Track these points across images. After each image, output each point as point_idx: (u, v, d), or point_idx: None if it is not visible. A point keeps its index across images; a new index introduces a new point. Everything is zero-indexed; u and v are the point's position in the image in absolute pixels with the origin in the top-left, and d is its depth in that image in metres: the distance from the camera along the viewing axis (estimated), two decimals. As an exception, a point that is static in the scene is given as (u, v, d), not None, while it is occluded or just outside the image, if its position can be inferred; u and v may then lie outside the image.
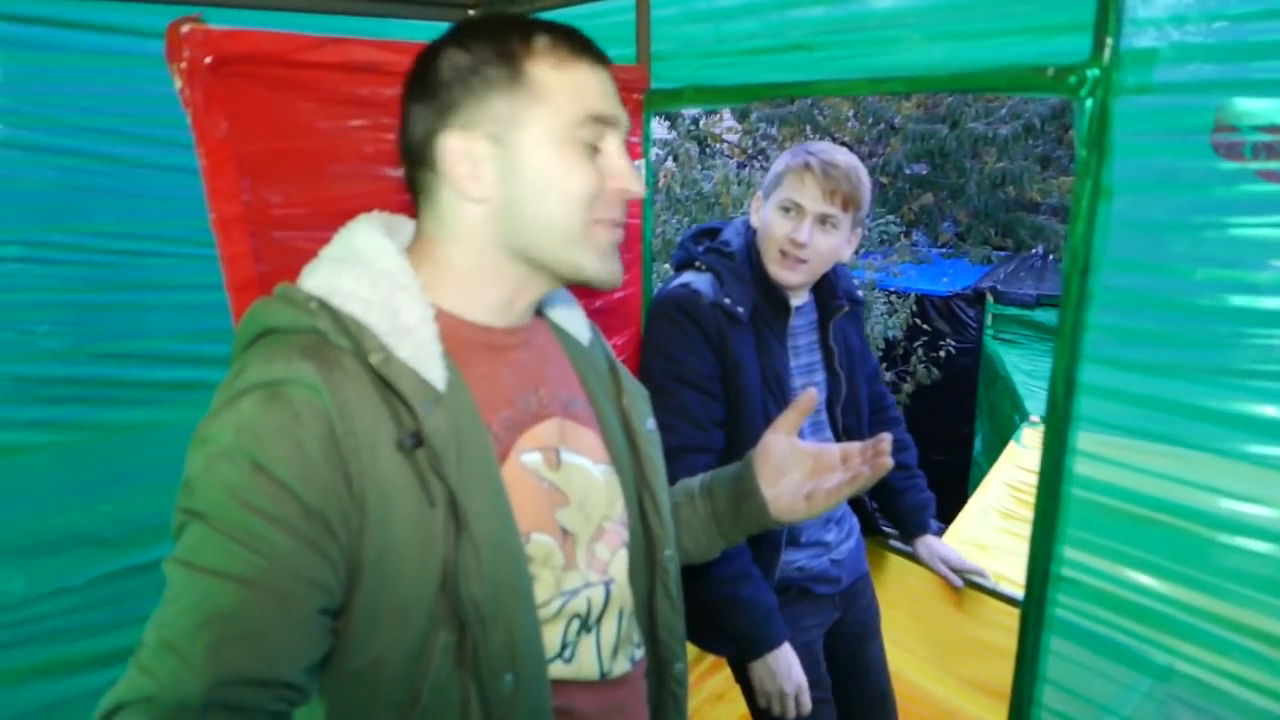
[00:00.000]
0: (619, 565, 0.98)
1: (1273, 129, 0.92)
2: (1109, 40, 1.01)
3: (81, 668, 1.75)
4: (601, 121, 0.88)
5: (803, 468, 1.10)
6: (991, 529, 3.22)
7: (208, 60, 1.02)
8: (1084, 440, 1.14)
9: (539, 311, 1.04)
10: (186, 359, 1.82)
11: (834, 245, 1.68)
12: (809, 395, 1.11)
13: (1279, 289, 0.98)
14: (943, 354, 5.92)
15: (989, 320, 5.85)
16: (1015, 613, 1.87)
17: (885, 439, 1.06)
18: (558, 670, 0.89)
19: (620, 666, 0.97)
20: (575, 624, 0.91)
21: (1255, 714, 1.07)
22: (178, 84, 1.02)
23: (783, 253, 1.65)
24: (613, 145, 0.90)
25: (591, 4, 1.66)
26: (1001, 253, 6.96)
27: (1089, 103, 1.03)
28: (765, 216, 1.70)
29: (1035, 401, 4.84)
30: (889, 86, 1.24)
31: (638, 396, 1.08)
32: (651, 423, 1.07)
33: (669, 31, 1.58)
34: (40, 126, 1.58)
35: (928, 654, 2.03)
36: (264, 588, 0.72)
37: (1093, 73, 1.03)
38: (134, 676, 0.70)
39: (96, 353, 1.73)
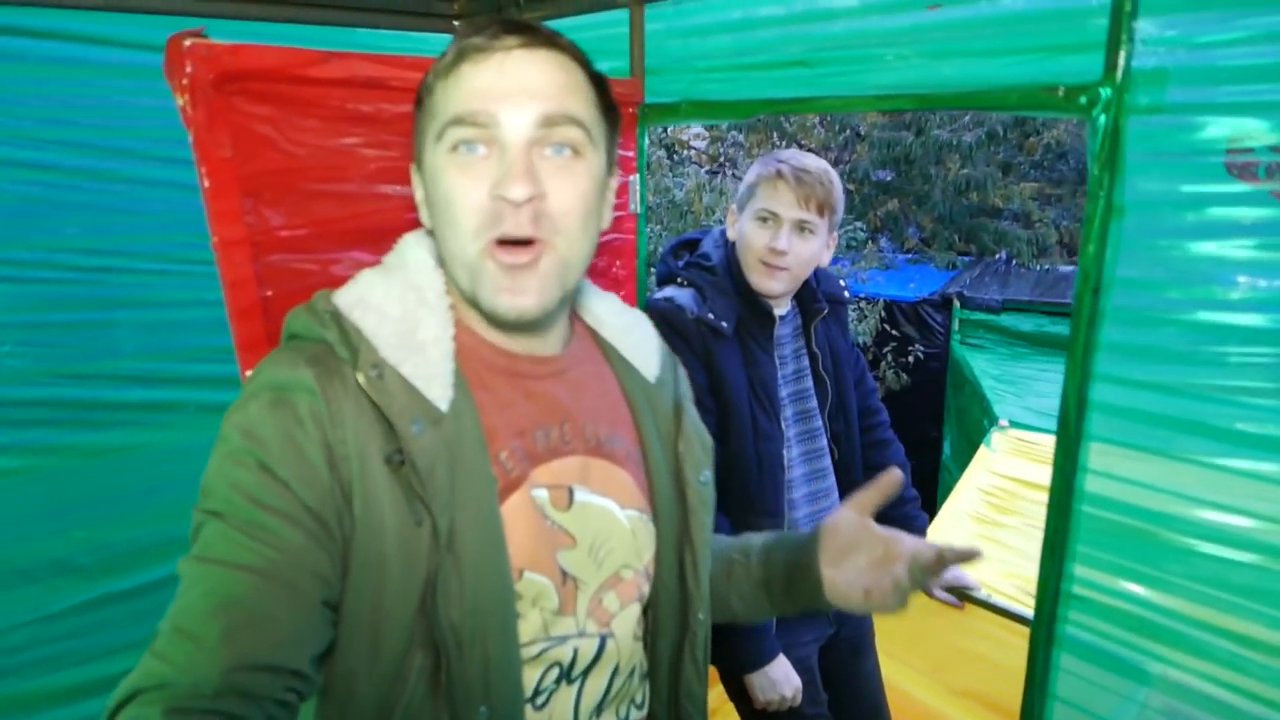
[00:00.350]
0: (625, 621, 0.93)
1: (1286, 151, 0.94)
2: (1121, 60, 1.02)
3: (61, 700, 1.69)
4: (464, 122, 0.78)
5: (872, 553, 1.00)
6: (966, 534, 3.26)
7: (212, 77, 0.99)
8: (1095, 458, 1.15)
9: (600, 339, 1.02)
10: (156, 379, 1.77)
11: (813, 251, 1.68)
12: (896, 477, 1.03)
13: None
14: (911, 359, 5.99)
15: (956, 325, 5.92)
16: (1006, 623, 1.90)
17: (974, 554, 0.99)
18: (528, 715, 0.86)
19: None
20: (554, 672, 0.87)
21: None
22: (180, 101, 0.99)
23: (763, 262, 1.66)
24: (500, 147, 0.79)
25: (585, 16, 1.64)
26: (966, 258, 7.06)
27: (1101, 122, 1.04)
28: (742, 228, 1.70)
29: (1003, 405, 4.92)
30: (895, 104, 1.24)
31: (697, 444, 1.01)
32: (707, 475, 1.00)
33: (664, 45, 1.56)
34: (3, 139, 1.53)
35: (920, 665, 2.04)
36: (274, 577, 0.73)
37: (1105, 92, 1.03)
38: (148, 663, 0.70)
39: (64, 373, 1.68)
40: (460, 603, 0.79)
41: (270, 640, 0.72)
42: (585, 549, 0.89)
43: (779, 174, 1.61)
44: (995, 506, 3.45)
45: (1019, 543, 2.97)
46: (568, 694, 0.89)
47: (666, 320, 1.65)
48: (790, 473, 1.76)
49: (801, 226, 1.63)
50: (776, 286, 1.66)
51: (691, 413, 1.03)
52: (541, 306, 0.82)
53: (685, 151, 7.95)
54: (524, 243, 0.79)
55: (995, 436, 4.21)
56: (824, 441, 1.83)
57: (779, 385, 1.75)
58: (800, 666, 1.75)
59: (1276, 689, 1.05)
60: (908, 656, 2.05)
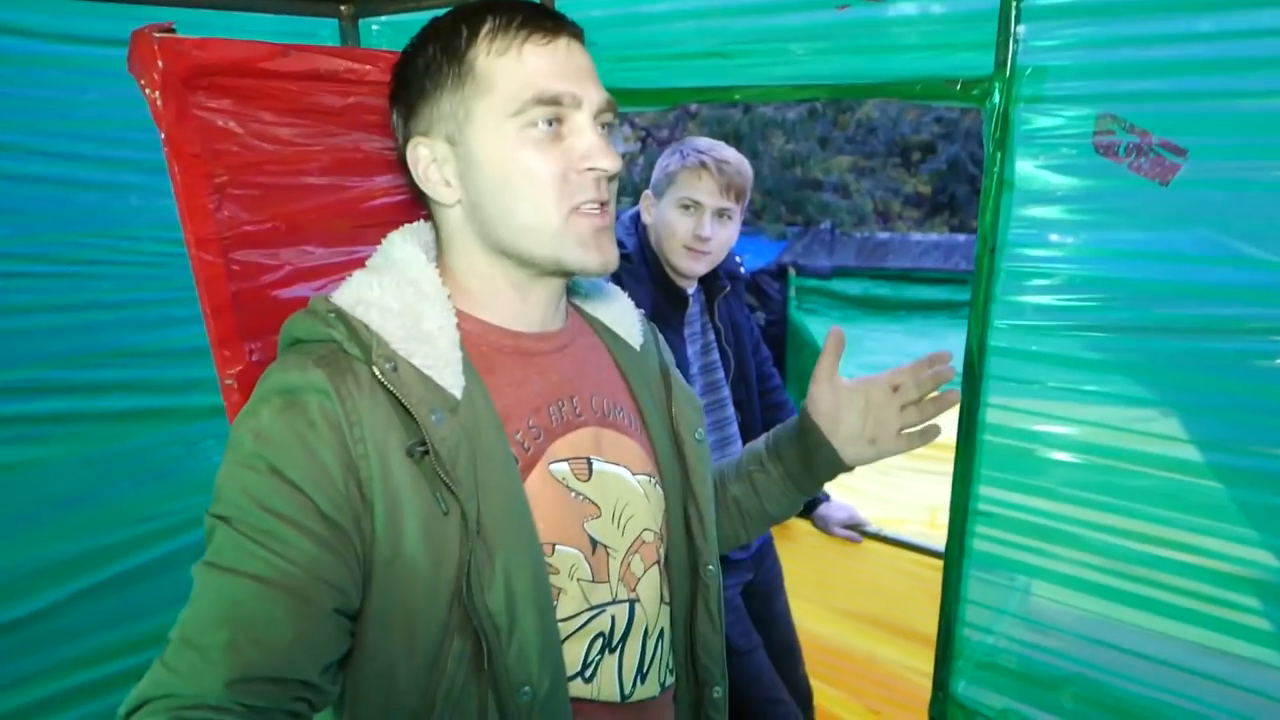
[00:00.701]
0: (649, 583, 0.96)
1: (1141, 132, 1.15)
2: (1009, 58, 1.21)
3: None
4: (552, 102, 0.84)
5: (855, 407, 1.07)
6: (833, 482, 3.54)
7: (182, 71, 0.97)
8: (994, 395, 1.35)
9: (586, 315, 1.06)
10: (52, 388, 1.65)
11: (730, 235, 1.82)
12: (837, 334, 1.10)
13: (1138, 261, 1.22)
14: (755, 327, 6.34)
15: (793, 292, 6.32)
16: (897, 550, 2.14)
17: (943, 363, 1.05)
18: (578, 689, 0.89)
19: (646, 690, 0.95)
20: (599, 642, 0.90)
21: (1104, 593, 1.32)
22: (150, 96, 0.96)
23: (687, 248, 1.77)
24: (577, 124, 0.85)
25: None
26: (794, 228, 7.54)
27: (993, 109, 1.22)
28: (663, 214, 1.80)
29: (842, 364, 5.34)
30: (810, 93, 1.38)
31: (688, 405, 1.06)
32: (701, 432, 1.06)
33: (586, 34, 1.62)
34: None
35: (827, 601, 2.25)
36: (281, 586, 0.73)
37: (996, 85, 1.22)
38: (156, 672, 0.72)
39: None
40: (495, 586, 0.80)
41: (275, 650, 0.72)
42: (609, 516, 0.92)
43: (702, 164, 1.72)
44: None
45: (866, 486, 3.27)
46: (611, 663, 0.91)
47: None
48: None
49: (722, 213, 1.75)
50: (700, 268, 1.78)
51: (678, 375, 1.10)
52: (616, 258, 0.90)
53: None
54: (601, 204, 0.87)
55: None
56: (729, 410, 1.98)
57: (689, 364, 1.87)
58: (729, 606, 1.90)
59: (1137, 565, 1.29)
60: (814, 595, 2.26)
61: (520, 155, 0.84)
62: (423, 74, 0.89)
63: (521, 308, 0.93)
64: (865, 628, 2.19)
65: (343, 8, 1.95)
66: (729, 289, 1.95)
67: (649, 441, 1.01)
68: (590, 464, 0.92)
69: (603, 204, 0.88)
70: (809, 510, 2.18)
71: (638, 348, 1.07)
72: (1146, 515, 1.27)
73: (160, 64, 0.95)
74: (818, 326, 6.10)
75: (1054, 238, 1.27)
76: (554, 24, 0.86)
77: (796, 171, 7.52)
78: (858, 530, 2.13)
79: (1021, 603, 1.42)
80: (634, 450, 0.98)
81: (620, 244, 1.83)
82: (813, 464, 1.11)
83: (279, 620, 0.73)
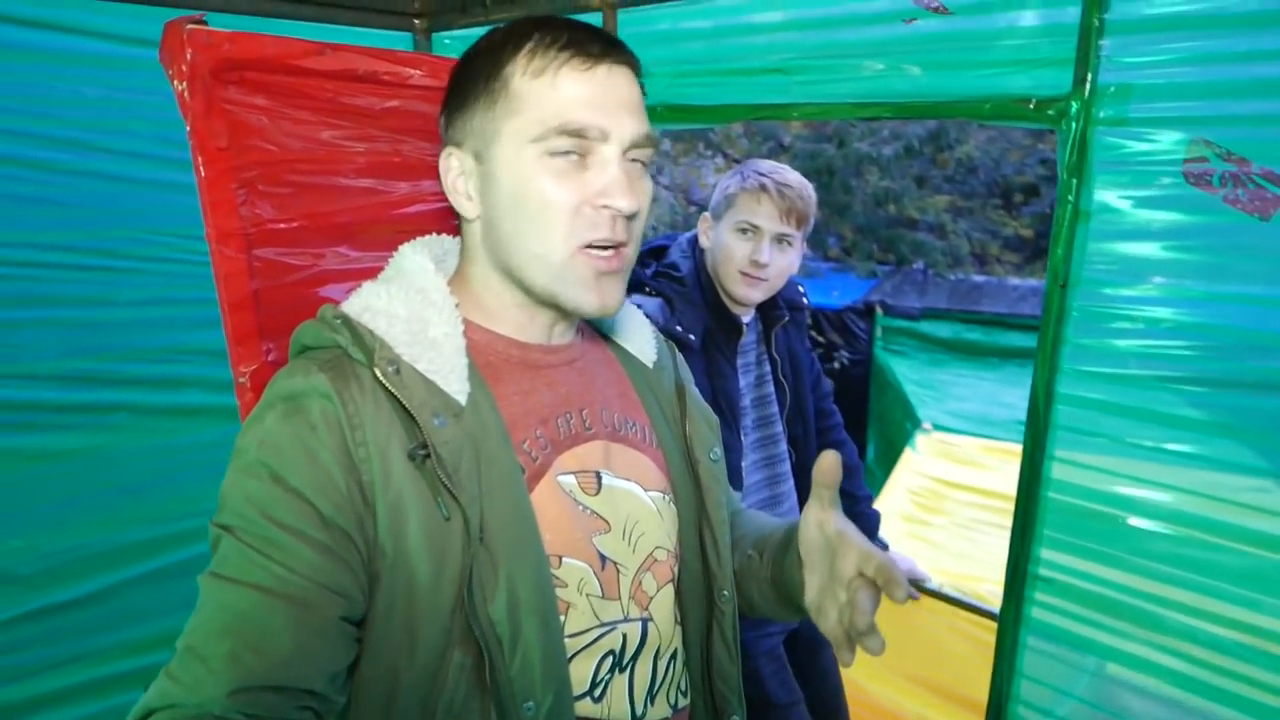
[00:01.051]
0: (662, 603, 0.94)
1: (1239, 160, 1.02)
2: (1089, 75, 1.10)
3: (5, 717, 1.59)
4: (576, 133, 0.80)
5: (826, 559, 0.85)
6: (896, 533, 3.38)
7: (211, 64, 0.96)
8: (1061, 446, 1.22)
9: (601, 331, 1.04)
10: (98, 379, 1.70)
11: (789, 262, 1.73)
12: (825, 462, 0.88)
13: (1237, 307, 1.08)
14: (836, 364, 6.17)
15: (879, 332, 6.14)
16: (957, 613, 1.99)
17: (901, 591, 0.81)
18: (586, 708, 0.86)
19: (657, 711, 0.92)
20: (609, 660, 0.88)
21: (1185, 683, 1.17)
22: (177, 88, 0.96)
23: (743, 273, 1.69)
24: (602, 157, 0.82)
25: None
26: (885, 266, 7.33)
27: (1070, 132, 1.12)
28: (720, 238, 1.73)
29: (924, 409, 5.13)
30: (871, 111, 1.30)
31: (703, 424, 1.03)
32: (716, 452, 1.02)
33: (639, 49, 1.58)
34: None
35: (877, 657, 2.11)
36: (283, 595, 0.73)
37: (1073, 105, 1.11)
38: (161, 682, 0.71)
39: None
40: (498, 596, 0.79)
41: (278, 660, 0.71)
42: (619, 532, 0.90)
43: (762, 187, 1.65)
44: (922, 506, 3.59)
45: (945, 540, 3.10)
46: (621, 682, 0.89)
47: None
48: (746, 481, 1.80)
49: (781, 239, 1.68)
50: (756, 296, 1.70)
51: (695, 393, 1.06)
52: (619, 304, 0.86)
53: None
54: (613, 246, 0.83)
55: (919, 439, 4.38)
56: (783, 446, 1.88)
57: (740, 394, 1.79)
58: (769, 656, 1.79)
59: (1223, 655, 1.14)
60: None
61: (536, 181, 0.82)
62: (465, 85, 0.88)
63: (530, 325, 0.92)
64: (918, 690, 2.04)
65: (416, 21, 1.98)
66: (788, 319, 1.86)
67: (663, 458, 0.98)
68: (599, 478, 0.90)
69: (617, 246, 0.84)
70: (864, 559, 2.05)
71: (651, 365, 1.05)
72: (1237, 599, 1.12)
73: (189, 55, 0.95)
74: (904, 368, 5.90)
75: (1138, 276, 1.14)
76: (599, 50, 0.82)
77: (890, 209, 7.32)
78: (916, 586, 1.99)
79: (1091, 687, 1.28)
80: (647, 466, 0.96)
81: (675, 267, 1.77)
82: (782, 584, 0.95)
83: (281, 630, 0.72)
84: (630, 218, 0.84)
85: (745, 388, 1.82)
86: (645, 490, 0.94)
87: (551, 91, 0.81)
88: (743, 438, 1.78)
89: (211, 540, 0.77)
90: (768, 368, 1.86)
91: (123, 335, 1.72)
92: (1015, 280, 6.28)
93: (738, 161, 7.60)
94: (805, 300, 1.94)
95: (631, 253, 0.87)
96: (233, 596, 0.73)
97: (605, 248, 0.83)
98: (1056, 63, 1.13)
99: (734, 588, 1.00)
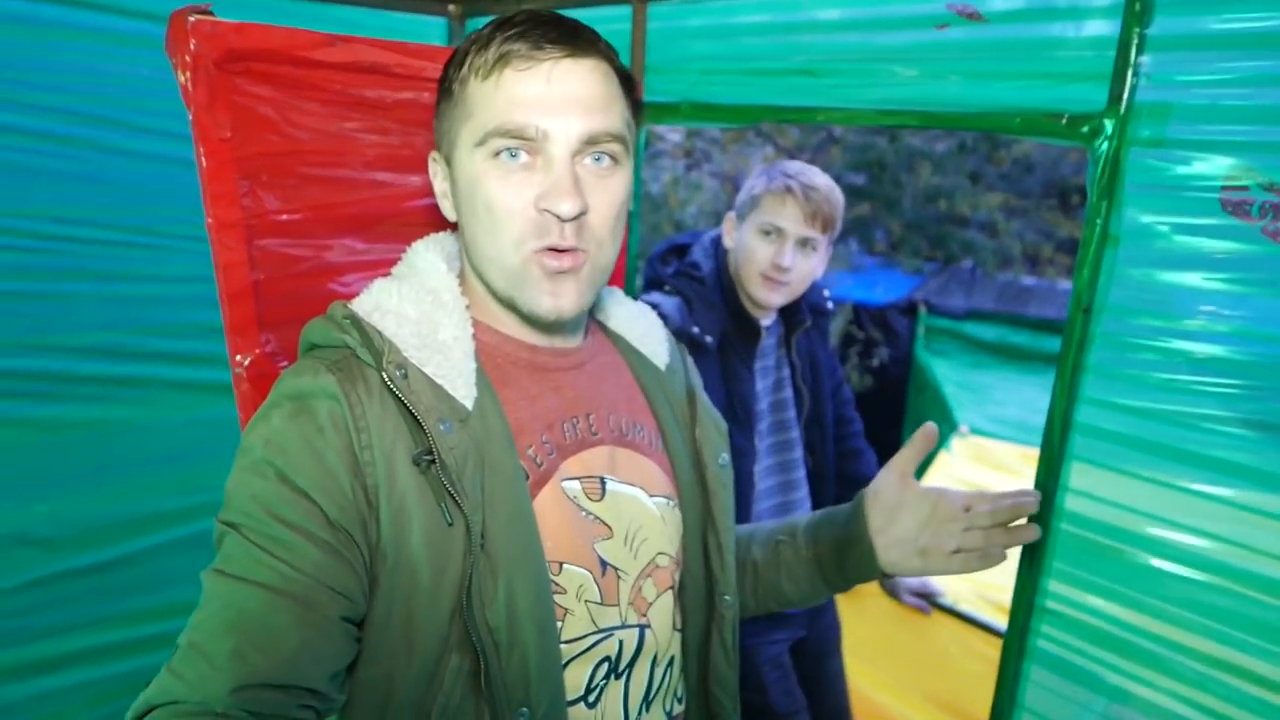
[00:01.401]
0: (661, 609, 0.93)
1: (1280, 191, 0.96)
2: (1125, 92, 1.04)
3: (14, 676, 1.64)
4: (513, 134, 0.78)
5: (918, 513, 1.01)
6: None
7: (215, 55, 0.96)
8: (1075, 477, 1.17)
9: (610, 332, 1.04)
10: (123, 353, 1.74)
11: (812, 267, 1.70)
12: (929, 432, 1.04)
13: (1271, 345, 1.02)
14: (875, 361, 6.07)
15: (921, 331, 6.02)
16: (972, 630, 1.94)
17: (1030, 499, 1.01)
18: (580, 714, 0.86)
19: (651, 718, 0.93)
20: (604, 666, 0.88)
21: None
22: (181, 78, 0.96)
23: (765, 276, 1.66)
24: (548, 157, 0.79)
25: (586, 9, 1.62)
26: (932, 264, 7.17)
27: (1102, 151, 1.06)
28: (743, 239, 1.70)
29: (963, 411, 5.02)
30: (898, 119, 1.25)
31: (713, 429, 1.03)
32: (725, 458, 1.02)
33: (667, 44, 1.56)
34: (-17, 99, 1.48)
35: (886, 669, 2.08)
36: (288, 594, 0.73)
37: (1108, 123, 1.05)
38: (164, 678, 0.71)
39: (28, 344, 1.64)
40: (497, 603, 0.79)
41: (281, 658, 0.72)
42: (622, 538, 0.90)
43: (787, 189, 1.61)
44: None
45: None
46: (616, 689, 0.89)
47: None
48: (759, 486, 1.78)
49: (805, 242, 1.64)
50: (776, 299, 1.67)
51: (704, 398, 1.06)
52: (578, 308, 0.84)
53: (659, 144, 7.93)
54: (566, 251, 0.81)
55: (955, 442, 4.30)
56: (799, 452, 1.85)
57: (757, 398, 1.76)
58: (773, 664, 1.78)
59: (1239, 709, 1.09)
60: (875, 660, 2.09)
61: (484, 185, 0.81)
62: (440, 88, 0.89)
63: (525, 325, 0.91)
64: (926, 706, 2.00)
65: (450, 7, 1.96)
66: (810, 324, 1.82)
67: (670, 463, 0.98)
68: (603, 483, 0.90)
69: (569, 250, 0.81)
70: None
71: (663, 368, 1.04)
72: (1258, 651, 1.06)
73: (192, 45, 0.95)
74: (944, 369, 5.77)
75: (1170, 306, 1.08)
76: (551, 44, 0.79)
77: (941, 205, 7.15)
78: (928, 600, 1.95)
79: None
80: (652, 471, 0.96)
81: (696, 266, 1.75)
82: (846, 556, 1.04)
83: (285, 628, 0.72)
84: (579, 220, 0.80)
85: (762, 391, 1.79)
86: (650, 496, 0.94)
87: (495, 93, 0.80)
88: (757, 442, 1.75)
89: (216, 537, 0.78)
90: (786, 372, 1.83)
91: (162, 310, 1.75)
92: (1066, 284, 6.10)
93: (788, 151, 7.48)
94: (830, 305, 1.90)
95: (598, 255, 0.83)
96: (237, 594, 0.73)
97: (558, 251, 0.81)
98: (1092, 78, 1.07)
99: (736, 592, 1.00)
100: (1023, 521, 1.05)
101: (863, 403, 6.31)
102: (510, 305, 0.86)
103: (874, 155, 6.84)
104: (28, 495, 1.67)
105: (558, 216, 0.78)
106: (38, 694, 1.70)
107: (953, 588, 2.61)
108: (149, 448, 1.83)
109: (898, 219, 7.33)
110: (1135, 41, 1.02)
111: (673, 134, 8.32)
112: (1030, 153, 7.24)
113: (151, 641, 1.79)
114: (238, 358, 1.04)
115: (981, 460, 3.91)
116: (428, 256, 0.91)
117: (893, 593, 1.97)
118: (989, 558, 1.01)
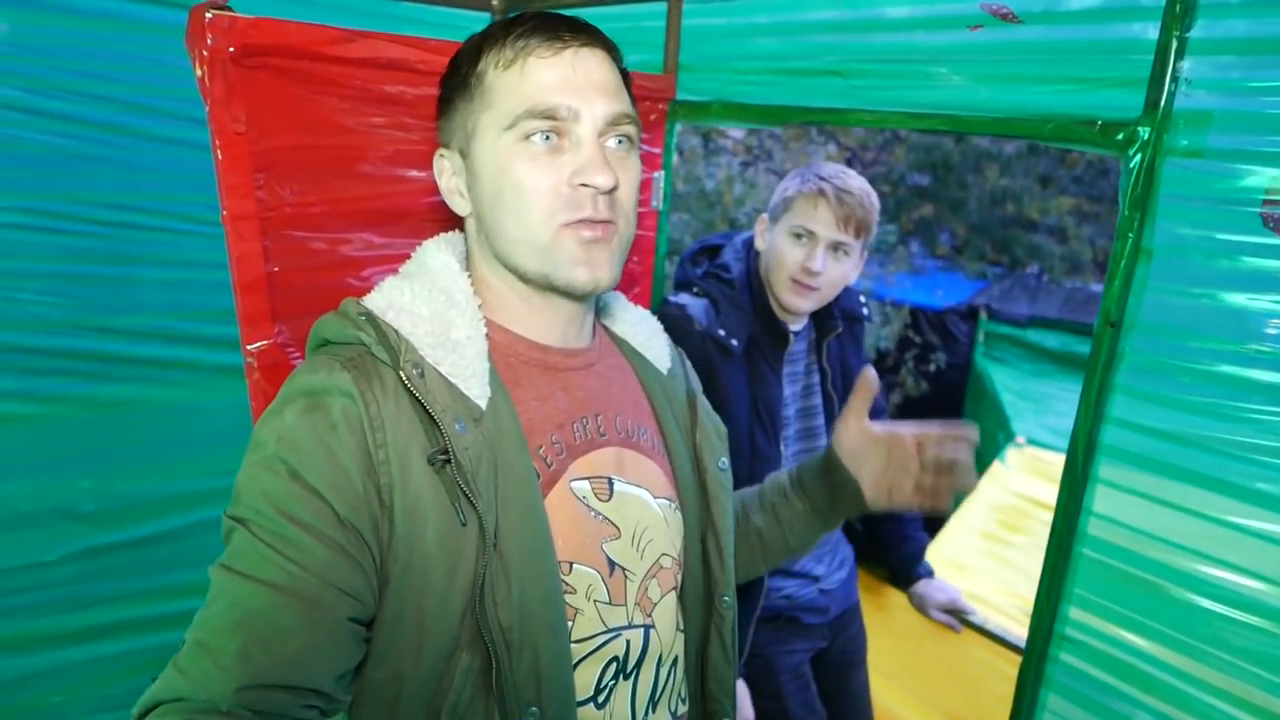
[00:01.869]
0: (665, 610, 0.94)
1: (1326, 208, 0.90)
2: (1163, 99, 0.99)
3: (53, 644, 1.71)
4: (546, 115, 0.81)
5: (879, 456, 1.08)
6: (972, 550, 3.23)
7: (231, 50, 0.98)
8: (1100, 501, 1.12)
9: (615, 336, 1.05)
10: (178, 337, 1.79)
11: (844, 272, 1.65)
12: (870, 377, 1.11)
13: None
14: (932, 367, 5.93)
15: (981, 337, 5.86)
16: (1001, 651, 1.88)
17: (966, 430, 1.06)
18: (589, 714, 0.86)
19: (657, 719, 0.93)
20: (613, 667, 0.88)
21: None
22: (198, 72, 0.98)
23: (794, 280, 1.62)
24: (576, 137, 0.83)
25: (623, 6, 1.61)
26: (997, 268, 6.97)
27: (1136, 161, 1.01)
28: (774, 242, 1.66)
29: (1022, 422, 4.87)
30: (926, 123, 1.21)
31: (713, 432, 1.05)
32: (724, 461, 1.04)
33: (700, 42, 1.53)
34: (40, 89, 1.53)
35: (913, 687, 2.02)
36: (295, 593, 0.72)
37: (1143, 131, 1.00)
38: (170, 675, 0.72)
39: (86, 325, 1.69)
40: (509, 602, 0.79)
41: (287, 658, 0.72)
42: (629, 539, 0.90)
43: (820, 192, 1.57)
44: (1005, 524, 3.43)
45: (1025, 562, 2.95)
46: (625, 689, 0.89)
47: (672, 328, 1.62)
48: None
49: (837, 247, 1.59)
50: (805, 305, 1.63)
51: (704, 403, 1.07)
52: (612, 278, 0.86)
53: (720, 140, 7.88)
54: (600, 222, 0.83)
55: (1011, 453, 4.17)
56: None
57: (784, 405, 1.72)
58: (792, 674, 1.75)
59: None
60: (901, 676, 2.04)
61: (512, 168, 0.83)
62: (449, 87, 0.90)
63: (539, 321, 0.92)
64: (953, 727, 1.94)
65: (494, 2, 1.97)
66: (841, 330, 1.78)
67: (670, 466, 0.99)
68: (611, 484, 0.91)
69: (602, 222, 0.84)
70: (906, 584, 1.96)
71: (665, 371, 1.05)
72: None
73: (209, 40, 0.97)
74: (1003, 376, 5.61)
75: (1207, 325, 1.03)
76: (567, 35, 0.83)
77: (1008, 208, 6.93)
78: (958, 617, 1.89)
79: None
80: (655, 473, 0.96)
81: (726, 268, 1.72)
82: (838, 500, 1.11)
83: (292, 628, 0.72)
84: (612, 194, 0.83)
85: (791, 397, 1.75)
86: (654, 497, 0.94)
87: (521, 80, 0.82)
88: (783, 448, 1.72)
89: (225, 531, 0.78)
90: (816, 378, 1.79)
91: (214, 296, 1.79)
92: (1137, 293, 5.85)
93: (851, 149, 7.35)
94: (865, 311, 1.85)
95: (624, 229, 0.87)
96: (244, 592, 0.73)
97: (590, 223, 0.83)
98: (1128, 83, 1.01)
99: (734, 593, 1.02)
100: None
101: (917, 409, 6.18)
102: (545, 284, 0.87)
103: (939, 155, 6.67)
104: (73, 471, 1.74)
105: (595, 189, 0.81)
106: (77, 661, 1.77)
107: (989, 597, 2.54)
108: (191, 429, 1.87)
109: (962, 221, 7.14)
110: (1175, 45, 0.97)
111: (735, 130, 8.25)
112: (1105, 156, 6.97)
113: (186, 616, 1.83)
114: (249, 347, 1.06)
115: (1038, 473, 3.78)
116: (439, 256, 0.91)
117: (920, 608, 1.92)
118: (939, 497, 1.07)
